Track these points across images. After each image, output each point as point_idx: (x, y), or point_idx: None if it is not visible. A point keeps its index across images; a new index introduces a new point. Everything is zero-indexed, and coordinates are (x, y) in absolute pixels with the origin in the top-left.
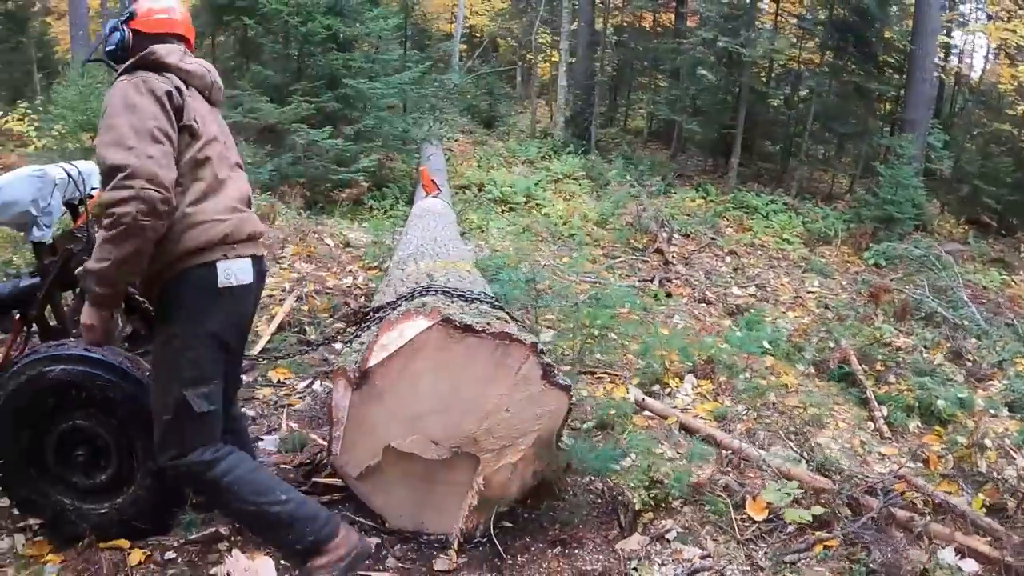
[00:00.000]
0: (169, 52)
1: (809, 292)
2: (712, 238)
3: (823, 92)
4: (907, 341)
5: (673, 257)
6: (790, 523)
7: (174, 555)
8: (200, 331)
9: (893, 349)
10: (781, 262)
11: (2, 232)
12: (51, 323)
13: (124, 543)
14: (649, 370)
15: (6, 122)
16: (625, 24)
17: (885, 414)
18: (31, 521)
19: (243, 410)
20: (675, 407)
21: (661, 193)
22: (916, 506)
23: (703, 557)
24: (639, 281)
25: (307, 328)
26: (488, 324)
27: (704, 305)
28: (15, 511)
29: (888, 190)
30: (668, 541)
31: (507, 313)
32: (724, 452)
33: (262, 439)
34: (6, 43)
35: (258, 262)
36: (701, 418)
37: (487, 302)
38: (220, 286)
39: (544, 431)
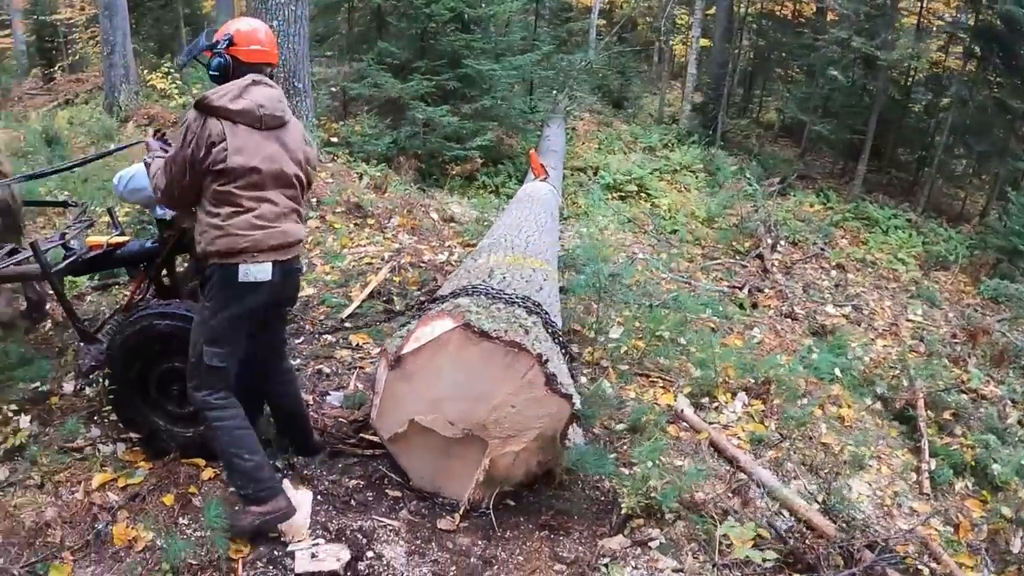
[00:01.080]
0: (224, 94)
1: (909, 320)
2: (821, 249)
3: (965, 103)
4: (994, 391)
5: (774, 265)
6: (762, 561)
7: None
8: (222, 309)
9: (975, 397)
10: (889, 283)
11: (134, 209)
12: (166, 284)
13: (200, 462)
14: (703, 382)
15: (152, 81)
16: (765, 11)
17: (932, 467)
18: (131, 435)
19: (320, 367)
20: (716, 423)
21: (779, 194)
22: (918, 572)
23: (676, 571)
24: (729, 287)
25: (395, 298)
26: (504, 332)
27: (789, 320)
28: (120, 426)
29: (1018, 219)
30: (650, 548)
31: (543, 319)
32: (738, 476)
33: (330, 394)
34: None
35: (280, 264)
36: (738, 438)
37: (525, 307)
38: (240, 281)
39: (547, 429)
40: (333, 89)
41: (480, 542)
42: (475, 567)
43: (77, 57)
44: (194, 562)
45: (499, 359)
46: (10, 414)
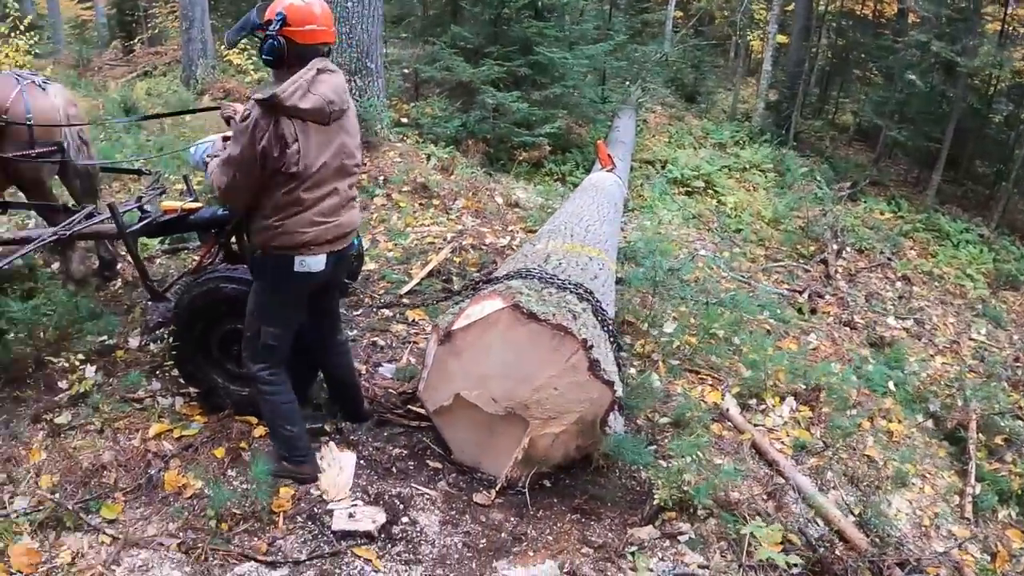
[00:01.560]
0: (294, 91)
1: (971, 339)
2: (888, 258)
3: None
4: None
5: (837, 271)
6: (787, 566)
7: None
8: (275, 294)
9: None
10: (955, 299)
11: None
12: (234, 249)
13: (252, 419)
14: (752, 383)
15: (229, 56)
16: (845, 10)
17: (976, 492)
18: (190, 390)
19: (375, 339)
20: (761, 425)
21: (849, 199)
22: None
23: (701, 566)
24: (789, 290)
25: (454, 278)
26: (552, 315)
27: (847, 329)
28: (180, 381)
29: None
30: (678, 542)
31: (593, 307)
32: (776, 480)
33: (383, 366)
34: None
35: (335, 254)
36: (781, 442)
37: (576, 293)
38: (295, 270)
39: (587, 414)
40: (405, 70)
41: (512, 518)
42: (505, 542)
43: (156, 30)
44: (237, 511)
45: (545, 341)
46: (77, 363)
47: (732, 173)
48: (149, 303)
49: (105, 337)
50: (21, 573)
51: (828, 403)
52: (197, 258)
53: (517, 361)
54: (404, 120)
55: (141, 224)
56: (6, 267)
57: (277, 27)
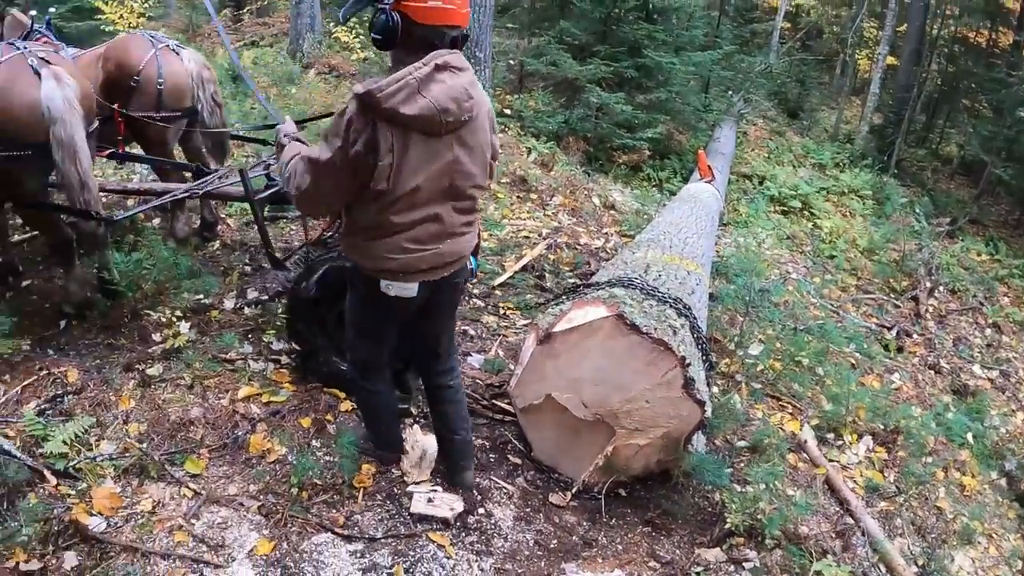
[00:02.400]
0: (396, 91)
1: None
2: (981, 303)
3: None
4: None
5: (928, 311)
6: None
7: None
8: (365, 307)
9: None
10: None
11: None
12: None
13: (340, 394)
14: (832, 417)
15: (336, 33)
16: (958, 36)
17: None
18: (282, 359)
19: (465, 328)
20: (836, 461)
21: (946, 236)
22: None
23: None
24: (877, 324)
25: (546, 275)
26: (654, 329)
27: (931, 372)
28: (273, 345)
29: None
30: (743, 568)
31: (691, 323)
32: (845, 519)
33: (472, 355)
34: None
35: (428, 284)
36: (854, 481)
37: (676, 308)
38: (381, 292)
39: (674, 430)
40: (511, 62)
41: (585, 523)
42: (575, 545)
43: (266, 2)
44: (319, 482)
45: (644, 354)
46: (173, 319)
47: (830, 196)
48: (270, 270)
49: (201, 296)
50: (101, 515)
51: (905, 447)
52: (313, 228)
53: (613, 370)
54: (507, 111)
55: (268, 191)
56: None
57: (392, 0)
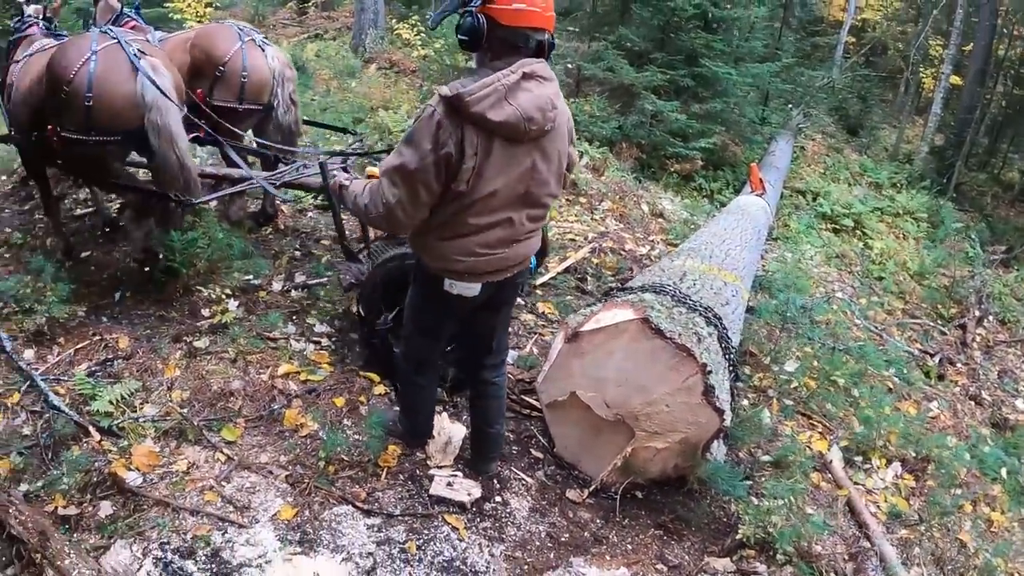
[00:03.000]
0: (484, 96)
1: None
2: None
3: None
4: None
5: (975, 340)
6: None
7: None
8: (426, 304)
9: None
10: None
11: None
12: None
13: (375, 377)
14: (862, 440)
15: (398, 30)
16: None
17: None
18: (322, 341)
19: None
20: (861, 485)
21: (1001, 264)
22: None
23: None
24: (920, 351)
25: (588, 278)
26: (678, 335)
27: (972, 403)
28: (316, 328)
29: None
30: None
31: (719, 333)
32: (862, 543)
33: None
34: None
35: (491, 285)
36: (877, 506)
37: (705, 317)
38: (444, 290)
39: (692, 437)
40: (569, 66)
41: (598, 520)
42: (586, 540)
43: None
44: (346, 458)
45: (666, 358)
46: (223, 296)
47: (884, 216)
48: (342, 263)
49: (251, 277)
50: (139, 470)
51: (934, 477)
52: None
53: (636, 372)
54: None
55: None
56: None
57: (479, 2)
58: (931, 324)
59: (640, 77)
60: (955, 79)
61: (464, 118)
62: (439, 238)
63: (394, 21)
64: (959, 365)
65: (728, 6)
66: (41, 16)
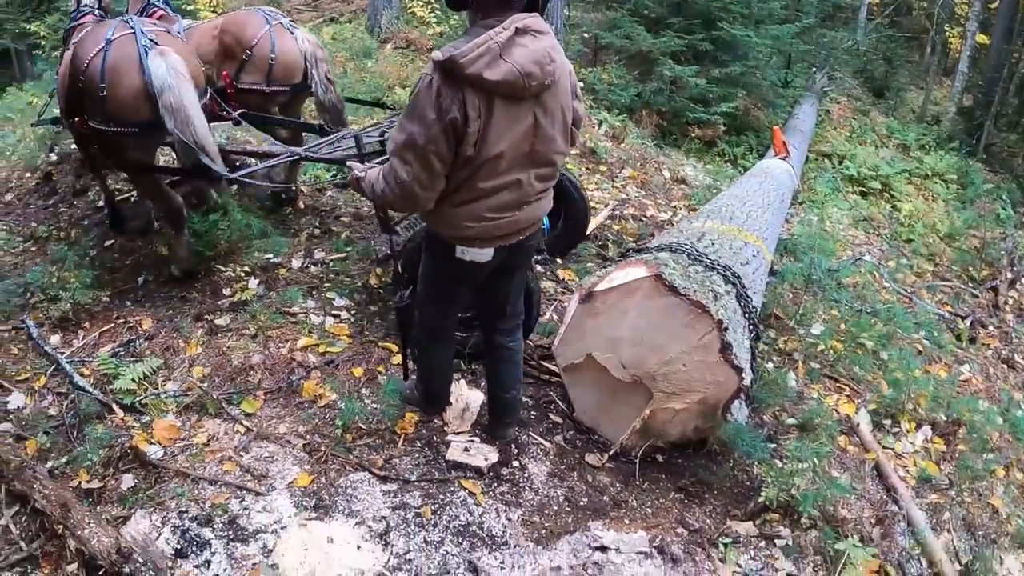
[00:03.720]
0: (478, 56)
1: None
2: None
3: None
4: None
5: (1007, 303)
6: None
7: None
8: (437, 273)
9: None
10: None
11: None
12: None
13: (393, 347)
14: (891, 403)
15: (412, 8)
16: None
17: None
18: (341, 315)
19: None
20: (890, 448)
21: None
22: None
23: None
24: (951, 313)
25: (609, 245)
26: (693, 292)
27: (1004, 367)
28: (335, 301)
29: None
30: (774, 545)
31: (738, 291)
32: (890, 507)
33: None
34: None
35: (503, 249)
36: (906, 470)
37: (722, 275)
38: (456, 257)
39: (711, 396)
40: (585, 35)
41: (618, 484)
42: (604, 505)
43: None
44: (363, 426)
45: (681, 316)
46: (243, 274)
47: (912, 179)
48: (378, 235)
49: (271, 255)
50: (159, 443)
51: (966, 441)
52: None
53: (651, 330)
54: (580, 85)
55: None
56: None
57: None
58: (962, 286)
59: (658, 43)
60: (982, 38)
61: (461, 81)
62: (451, 205)
63: (408, 0)
64: (991, 328)
65: None
66: (97, 5)
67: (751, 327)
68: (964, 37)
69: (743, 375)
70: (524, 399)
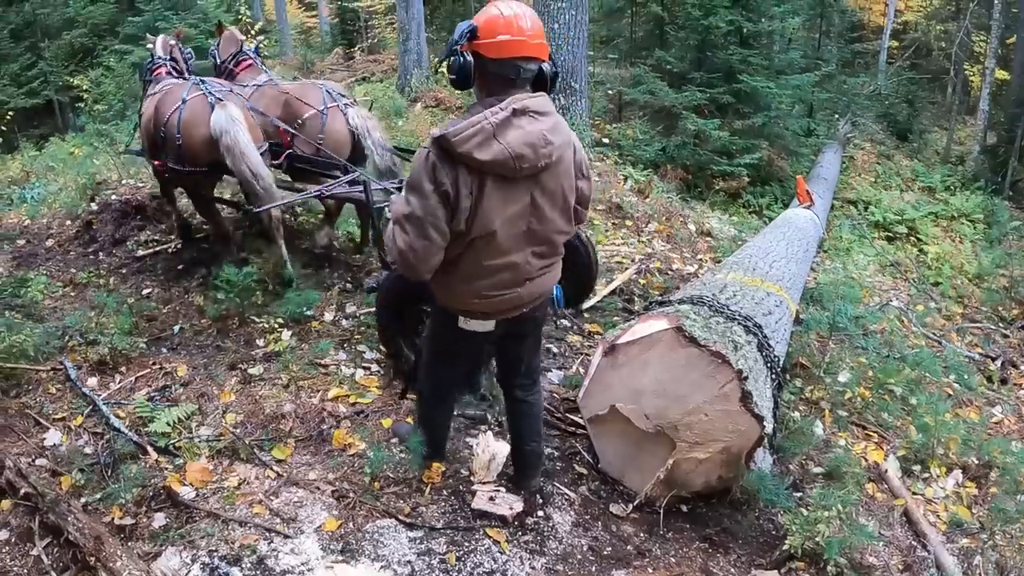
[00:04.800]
0: (471, 136)
1: None
2: None
3: None
4: None
5: None
6: None
7: None
8: (441, 337)
9: None
10: None
11: None
12: None
13: None
14: (920, 448)
15: (441, 69)
16: None
17: None
18: (372, 367)
19: (549, 345)
20: (920, 495)
21: None
22: None
23: None
24: (982, 355)
25: (635, 299)
26: (713, 342)
27: None
28: (366, 354)
29: None
30: None
31: (759, 341)
32: (919, 553)
33: (552, 371)
34: None
35: (507, 322)
36: (936, 515)
37: (744, 325)
38: (459, 326)
39: (733, 445)
40: (610, 92)
41: (642, 534)
42: (628, 554)
43: (375, 40)
44: (391, 475)
45: (702, 366)
46: (276, 326)
47: (939, 221)
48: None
49: (304, 308)
50: (192, 485)
51: (997, 483)
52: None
53: (673, 382)
54: (605, 140)
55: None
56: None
57: (464, 40)
58: (992, 327)
59: (680, 97)
60: (1002, 73)
61: (455, 158)
62: (450, 278)
63: (437, 61)
64: (1023, 367)
65: (763, 20)
66: (168, 56)
67: (773, 376)
68: (983, 75)
69: (764, 423)
70: (550, 450)
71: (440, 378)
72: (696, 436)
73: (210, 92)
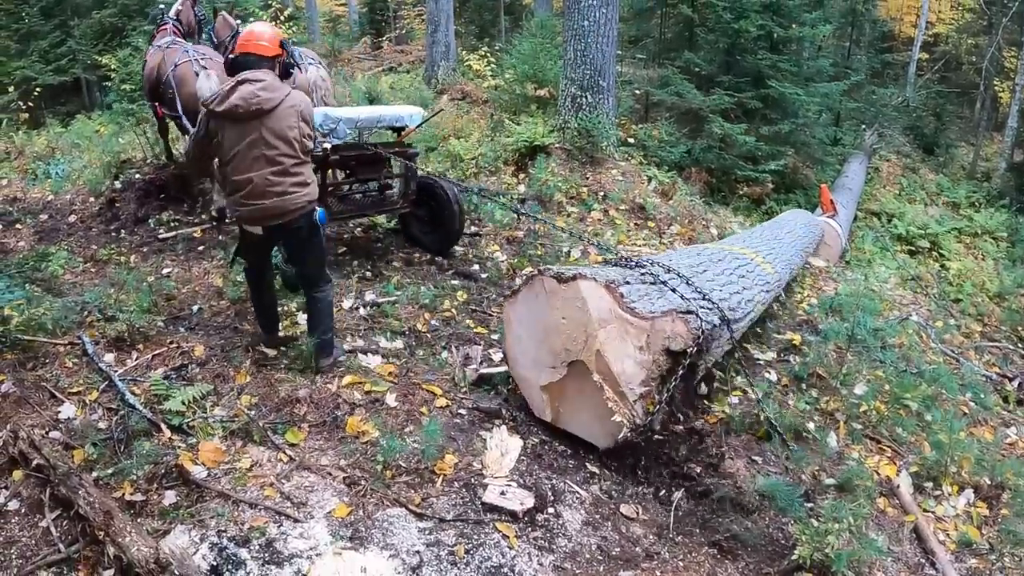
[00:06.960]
0: (211, 100)
1: None
2: None
3: None
4: None
5: None
6: None
7: (465, 413)
8: (241, 237)
9: None
10: None
11: None
12: None
13: (437, 390)
14: (933, 465)
15: (468, 61)
16: None
17: None
18: (389, 356)
19: None
20: (930, 512)
21: None
22: None
23: None
24: (999, 374)
25: None
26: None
27: None
28: (382, 343)
29: None
30: None
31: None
32: (927, 571)
33: None
34: None
35: (272, 229)
36: (946, 534)
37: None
38: (244, 229)
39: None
40: (637, 91)
41: (651, 536)
42: (637, 555)
43: (404, 31)
44: (403, 464)
45: (569, 295)
46: (293, 310)
47: (962, 237)
48: None
49: None
50: (204, 464)
51: (1009, 505)
52: None
53: (533, 320)
54: (630, 140)
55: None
56: None
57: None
58: (1011, 347)
59: (707, 100)
60: None
61: (208, 113)
62: (224, 195)
63: (465, 53)
64: None
65: (793, 26)
66: (176, 18)
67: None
68: (1013, 91)
69: (650, 319)
70: (563, 447)
71: (248, 264)
72: (577, 340)
73: (195, 60)
